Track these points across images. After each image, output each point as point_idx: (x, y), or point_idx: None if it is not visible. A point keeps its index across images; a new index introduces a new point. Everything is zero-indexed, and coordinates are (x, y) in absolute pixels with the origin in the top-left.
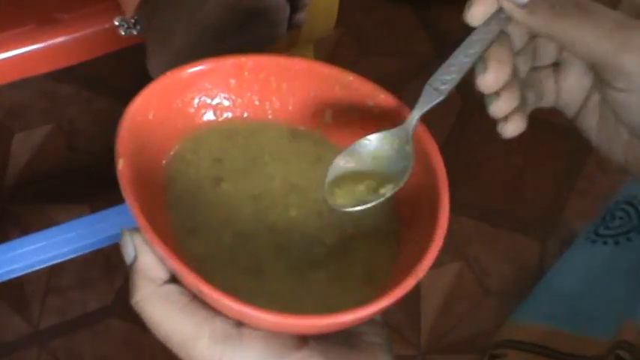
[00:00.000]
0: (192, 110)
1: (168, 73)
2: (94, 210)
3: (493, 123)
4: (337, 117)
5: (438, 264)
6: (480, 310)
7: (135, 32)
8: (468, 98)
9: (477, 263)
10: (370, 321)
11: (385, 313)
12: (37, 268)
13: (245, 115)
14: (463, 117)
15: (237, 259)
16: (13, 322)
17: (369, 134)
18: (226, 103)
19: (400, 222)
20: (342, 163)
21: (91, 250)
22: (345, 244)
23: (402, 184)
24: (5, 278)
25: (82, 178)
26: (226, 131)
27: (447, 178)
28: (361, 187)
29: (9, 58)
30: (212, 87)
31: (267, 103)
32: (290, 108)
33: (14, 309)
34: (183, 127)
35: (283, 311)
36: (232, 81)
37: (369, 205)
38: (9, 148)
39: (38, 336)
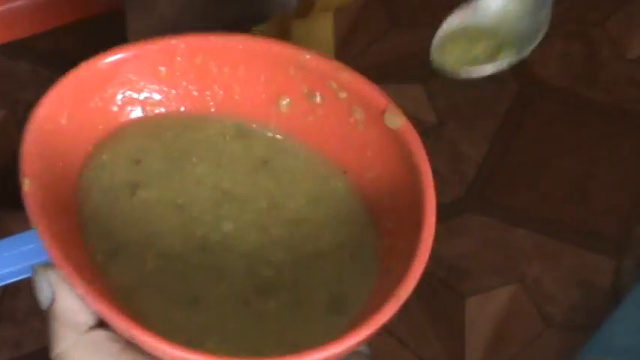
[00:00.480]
0: (115, 109)
1: (82, 65)
2: None
3: (558, 111)
4: (296, 105)
5: (487, 287)
6: (539, 345)
7: None
8: (525, 80)
9: (537, 286)
10: (354, 354)
11: (419, 347)
12: None
13: (182, 109)
14: (519, 104)
15: (167, 288)
16: None
17: (339, 126)
18: (157, 96)
19: (378, 233)
20: (458, 21)
21: None
22: (302, 263)
23: (528, 51)
24: None
25: None
26: (153, 127)
27: (432, 180)
28: (478, 49)
29: None
30: (138, 78)
31: (208, 93)
32: (236, 97)
33: None
34: (105, 129)
35: (238, 355)
36: (162, 69)
37: (486, 71)
38: None
39: None
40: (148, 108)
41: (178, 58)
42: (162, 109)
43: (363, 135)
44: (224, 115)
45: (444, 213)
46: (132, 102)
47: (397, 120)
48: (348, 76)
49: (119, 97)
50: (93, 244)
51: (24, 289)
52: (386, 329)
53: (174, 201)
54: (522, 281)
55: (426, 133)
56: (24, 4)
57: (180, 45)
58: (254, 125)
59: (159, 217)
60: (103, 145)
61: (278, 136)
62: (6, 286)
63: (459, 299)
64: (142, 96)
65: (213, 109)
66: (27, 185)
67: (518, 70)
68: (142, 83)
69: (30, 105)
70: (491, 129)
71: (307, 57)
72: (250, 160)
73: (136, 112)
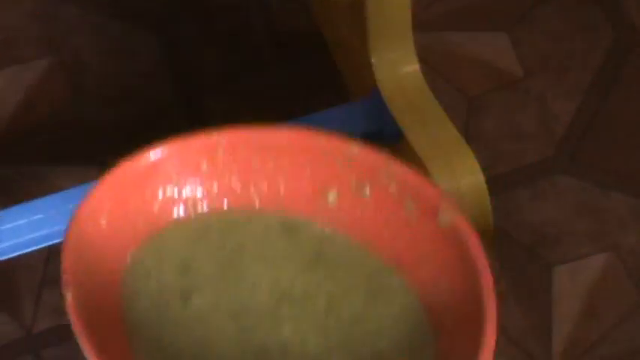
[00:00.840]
0: (155, 208)
1: (121, 164)
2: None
3: None
4: (344, 198)
5: (577, 256)
6: (634, 321)
7: None
8: (622, 29)
9: (633, 256)
10: None
11: (502, 319)
12: (31, 249)
13: (225, 205)
14: (615, 55)
15: None
16: None
17: (389, 220)
18: (199, 193)
19: (437, 332)
20: None
21: None
22: None
23: None
24: None
25: (90, 129)
26: (197, 228)
27: (491, 277)
28: None
29: None
30: (179, 175)
31: (252, 187)
32: (281, 192)
33: (0, 305)
34: (146, 230)
35: None
36: (204, 164)
37: None
38: None
39: (31, 341)
40: (190, 206)
41: (220, 153)
42: (205, 207)
43: (415, 230)
44: (269, 210)
45: (529, 174)
46: (173, 200)
47: (452, 217)
48: (398, 168)
49: (160, 195)
50: (141, 356)
51: None
52: None
53: (230, 306)
54: (616, 250)
55: (510, 86)
56: None
57: (222, 139)
58: (301, 219)
59: (214, 325)
60: (147, 248)
61: (326, 230)
62: (52, 249)
63: (546, 269)
64: (184, 193)
65: (257, 205)
66: (70, 297)
67: (613, 17)
68: (183, 180)
69: (78, 52)
70: (584, 82)
71: (355, 150)
72: (302, 256)
73: (178, 212)
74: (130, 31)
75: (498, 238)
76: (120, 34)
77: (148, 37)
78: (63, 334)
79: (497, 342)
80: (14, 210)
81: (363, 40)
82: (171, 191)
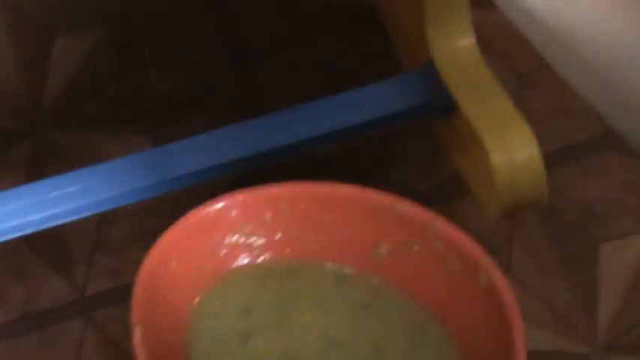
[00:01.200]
0: (222, 253)
1: (192, 212)
2: (157, 142)
3: None
4: (394, 252)
5: (625, 233)
6: None
7: None
8: None
9: None
10: None
11: (547, 293)
12: (83, 215)
13: (285, 253)
14: None
15: None
16: (52, 284)
17: (434, 274)
18: (261, 240)
19: None
20: None
21: (152, 195)
22: None
23: None
24: (42, 227)
25: (143, 99)
26: (259, 274)
27: (524, 337)
28: None
29: None
30: (244, 224)
31: (311, 238)
32: (337, 243)
33: (54, 268)
34: (213, 273)
35: None
36: (268, 215)
37: None
38: (49, 56)
39: (84, 303)
40: (254, 253)
41: (283, 205)
42: (267, 255)
43: (457, 285)
44: (325, 260)
45: (578, 151)
46: (238, 247)
47: (490, 276)
48: (445, 227)
49: (226, 241)
50: None
51: (122, 216)
52: (508, 270)
53: (284, 349)
54: None
55: None
56: None
57: (285, 193)
58: (353, 270)
59: None
60: (213, 290)
61: (376, 281)
62: (104, 214)
63: (593, 245)
64: (249, 241)
65: (314, 254)
66: (138, 334)
67: None
68: (248, 229)
69: (132, 20)
70: None
71: (407, 208)
72: (352, 304)
73: (243, 258)
74: (181, 1)
75: (547, 214)
76: (171, 4)
77: (198, 7)
78: (114, 297)
79: (542, 316)
80: (66, 176)
81: (417, 13)
82: (237, 239)
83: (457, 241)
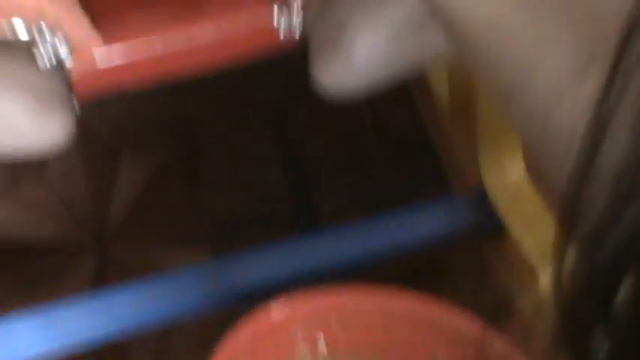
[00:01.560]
0: (288, 354)
1: (255, 317)
2: (216, 254)
3: None
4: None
5: None
6: None
7: (297, 35)
8: None
9: None
10: None
11: None
12: (144, 326)
13: (348, 357)
14: None
15: None
16: None
17: None
18: (326, 343)
19: None
20: None
21: (212, 306)
22: None
23: None
24: (104, 339)
25: (204, 218)
26: None
27: None
28: None
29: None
30: (310, 326)
31: (373, 342)
32: (397, 350)
33: None
34: None
35: None
36: (333, 320)
37: None
38: (116, 175)
39: None
40: (319, 355)
41: (347, 310)
42: (329, 357)
43: None
44: None
45: None
46: (303, 349)
47: None
48: (497, 343)
49: (292, 343)
50: None
51: (184, 329)
52: None
53: None
54: None
55: None
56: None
57: (351, 299)
58: None
59: None
60: None
61: None
62: (164, 325)
63: None
64: (313, 343)
65: (375, 358)
66: None
67: None
68: (313, 332)
69: (193, 140)
70: None
71: (462, 321)
72: None
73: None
74: (245, 122)
75: None
76: (235, 125)
77: (261, 129)
78: None
79: None
80: (128, 286)
81: (469, 142)
82: (302, 340)
83: (506, 355)
